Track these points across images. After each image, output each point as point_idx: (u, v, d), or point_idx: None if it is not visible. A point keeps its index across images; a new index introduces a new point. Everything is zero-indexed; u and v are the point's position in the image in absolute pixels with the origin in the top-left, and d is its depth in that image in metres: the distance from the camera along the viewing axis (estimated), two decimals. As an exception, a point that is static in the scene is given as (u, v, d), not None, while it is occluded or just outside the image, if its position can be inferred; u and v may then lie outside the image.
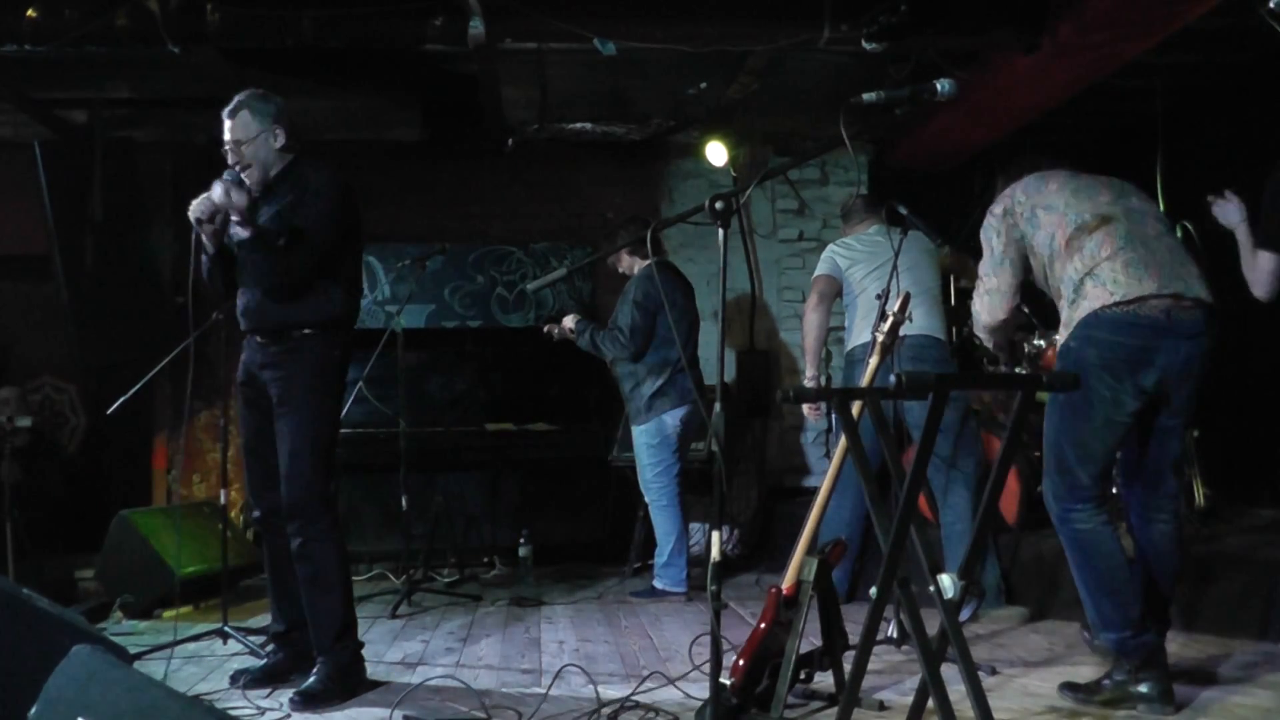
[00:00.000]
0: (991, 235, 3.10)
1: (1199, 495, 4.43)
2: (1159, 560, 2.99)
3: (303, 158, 3.32)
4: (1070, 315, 2.95)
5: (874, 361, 3.14)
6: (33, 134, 5.56)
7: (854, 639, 2.64)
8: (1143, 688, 2.85)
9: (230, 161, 3.23)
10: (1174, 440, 2.98)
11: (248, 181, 3.23)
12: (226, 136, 3.24)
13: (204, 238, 3.22)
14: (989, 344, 3.33)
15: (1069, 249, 2.95)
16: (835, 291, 4.57)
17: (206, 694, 3.23)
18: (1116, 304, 2.83)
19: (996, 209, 3.10)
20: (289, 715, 3.02)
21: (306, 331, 3.21)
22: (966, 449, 4.25)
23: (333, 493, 3.26)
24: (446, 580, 5.44)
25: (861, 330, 4.40)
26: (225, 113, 3.25)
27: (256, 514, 3.38)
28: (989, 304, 3.12)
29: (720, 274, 2.52)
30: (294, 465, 3.16)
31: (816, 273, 4.60)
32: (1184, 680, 3.10)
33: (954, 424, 4.19)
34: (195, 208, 3.13)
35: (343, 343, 3.28)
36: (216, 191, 3.08)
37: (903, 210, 3.82)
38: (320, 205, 3.19)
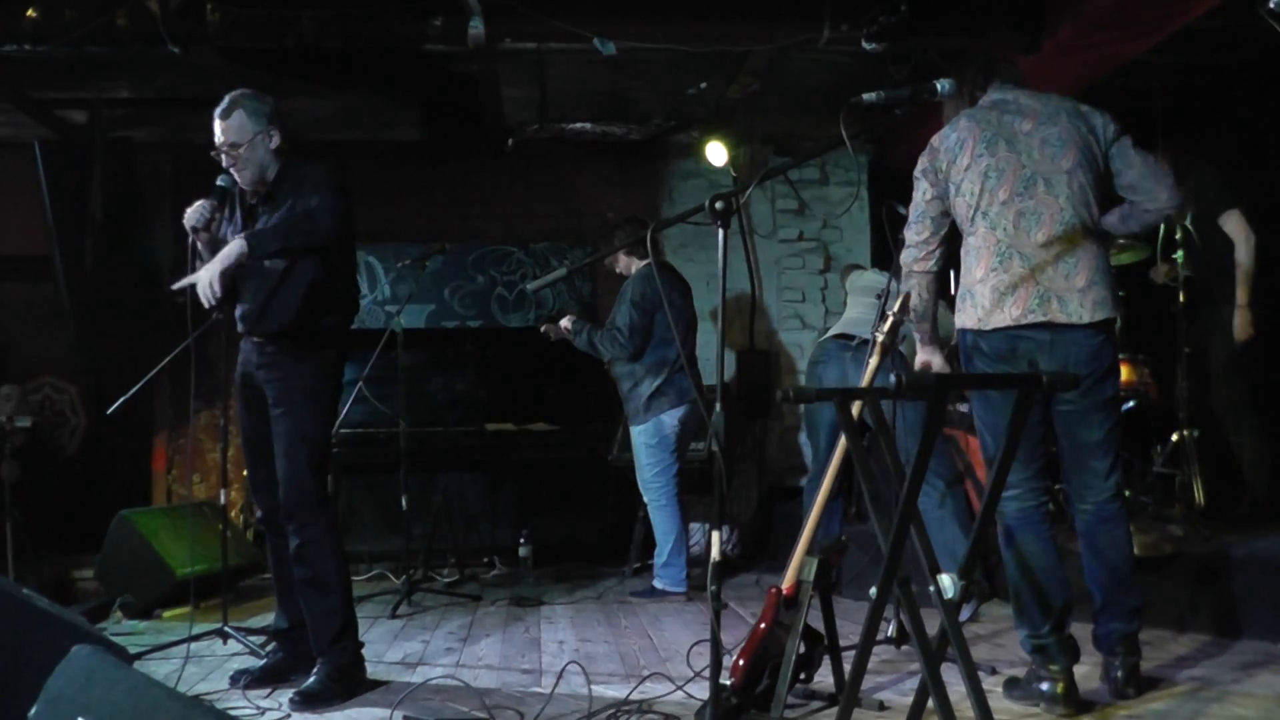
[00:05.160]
0: (917, 187, 3.06)
1: (1199, 495, 4.42)
2: (1091, 548, 2.97)
3: (297, 157, 3.28)
4: (957, 317, 3.03)
5: (874, 361, 3.14)
6: (33, 134, 5.57)
7: (854, 639, 2.64)
8: (1044, 686, 2.85)
9: (225, 164, 3.20)
10: (1085, 427, 2.94)
11: (241, 184, 3.23)
12: (219, 139, 3.17)
13: (199, 245, 3.21)
14: (912, 305, 3.20)
15: (964, 246, 3.00)
16: None
17: (206, 694, 3.23)
18: (979, 331, 2.92)
19: (924, 159, 3.03)
20: (289, 715, 3.02)
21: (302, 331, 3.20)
22: (936, 462, 4.20)
23: (328, 493, 3.26)
24: (446, 580, 5.44)
25: (831, 327, 4.62)
26: (217, 113, 3.19)
27: (260, 514, 3.38)
28: (904, 256, 3.10)
29: (720, 274, 2.52)
30: (289, 467, 3.16)
31: None
32: (1184, 680, 3.11)
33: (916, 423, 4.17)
34: (190, 216, 3.13)
35: (339, 342, 3.27)
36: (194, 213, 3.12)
37: (902, 210, 3.82)
38: (320, 198, 3.13)
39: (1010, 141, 2.93)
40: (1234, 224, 4.40)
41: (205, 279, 2.97)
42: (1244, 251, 4.38)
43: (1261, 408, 4.59)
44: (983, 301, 2.91)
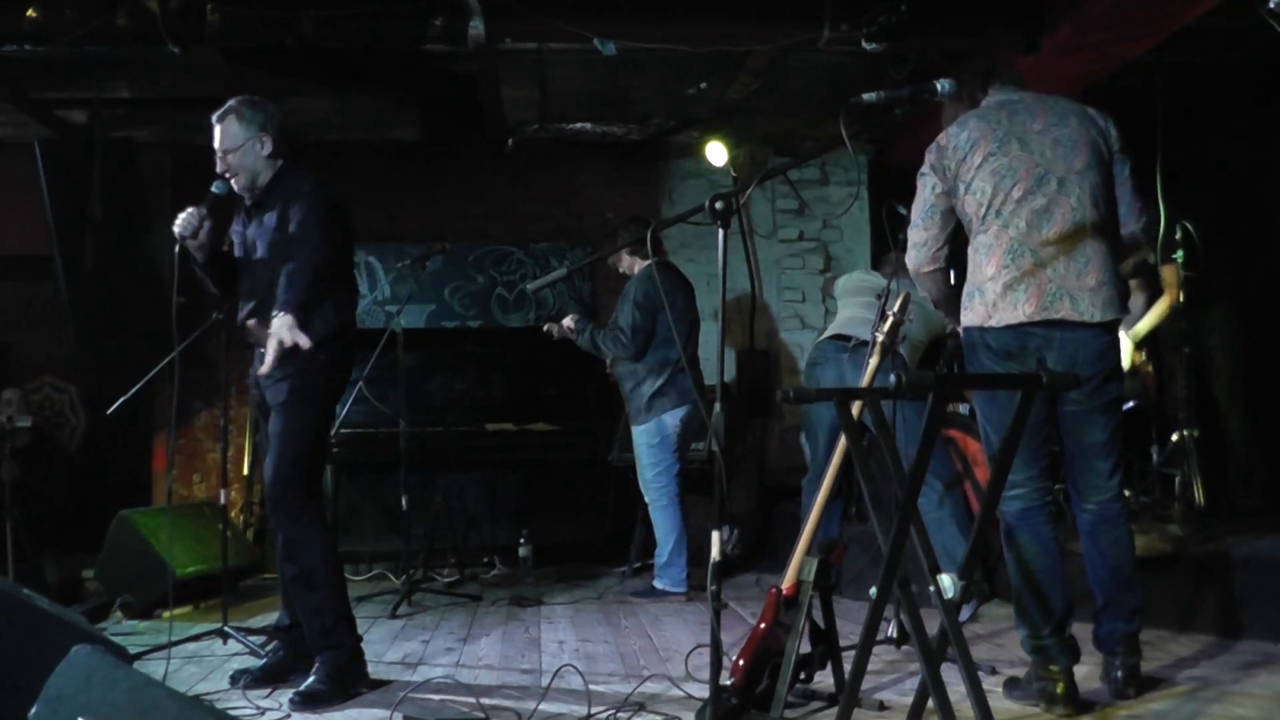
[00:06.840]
0: (923, 185, 3.04)
1: (1199, 495, 4.42)
2: (1093, 547, 2.97)
3: (292, 165, 3.30)
4: (962, 315, 3.02)
5: (874, 361, 3.14)
6: (33, 134, 5.57)
7: (854, 639, 2.64)
8: (1044, 686, 2.85)
9: (219, 169, 3.24)
10: (1089, 427, 2.94)
11: (237, 189, 3.26)
12: (216, 144, 3.24)
13: (190, 249, 3.24)
14: (933, 299, 3.23)
15: (972, 244, 2.99)
16: None
17: (206, 694, 3.23)
18: (989, 328, 2.91)
19: (931, 157, 3.02)
20: (289, 715, 3.02)
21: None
22: (936, 463, 4.20)
23: (317, 490, 3.26)
24: (446, 580, 5.44)
25: (828, 328, 4.61)
26: (214, 118, 3.25)
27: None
28: (911, 257, 3.09)
29: (720, 274, 2.51)
30: (275, 467, 3.17)
31: None
32: (1184, 680, 3.11)
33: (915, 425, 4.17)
34: (179, 224, 3.16)
35: (338, 349, 3.27)
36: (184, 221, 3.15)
37: (902, 210, 3.82)
38: (308, 218, 3.14)
39: (1023, 141, 2.92)
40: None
41: (284, 339, 2.94)
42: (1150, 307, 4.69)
43: (1261, 406, 4.60)
44: (991, 298, 2.90)
